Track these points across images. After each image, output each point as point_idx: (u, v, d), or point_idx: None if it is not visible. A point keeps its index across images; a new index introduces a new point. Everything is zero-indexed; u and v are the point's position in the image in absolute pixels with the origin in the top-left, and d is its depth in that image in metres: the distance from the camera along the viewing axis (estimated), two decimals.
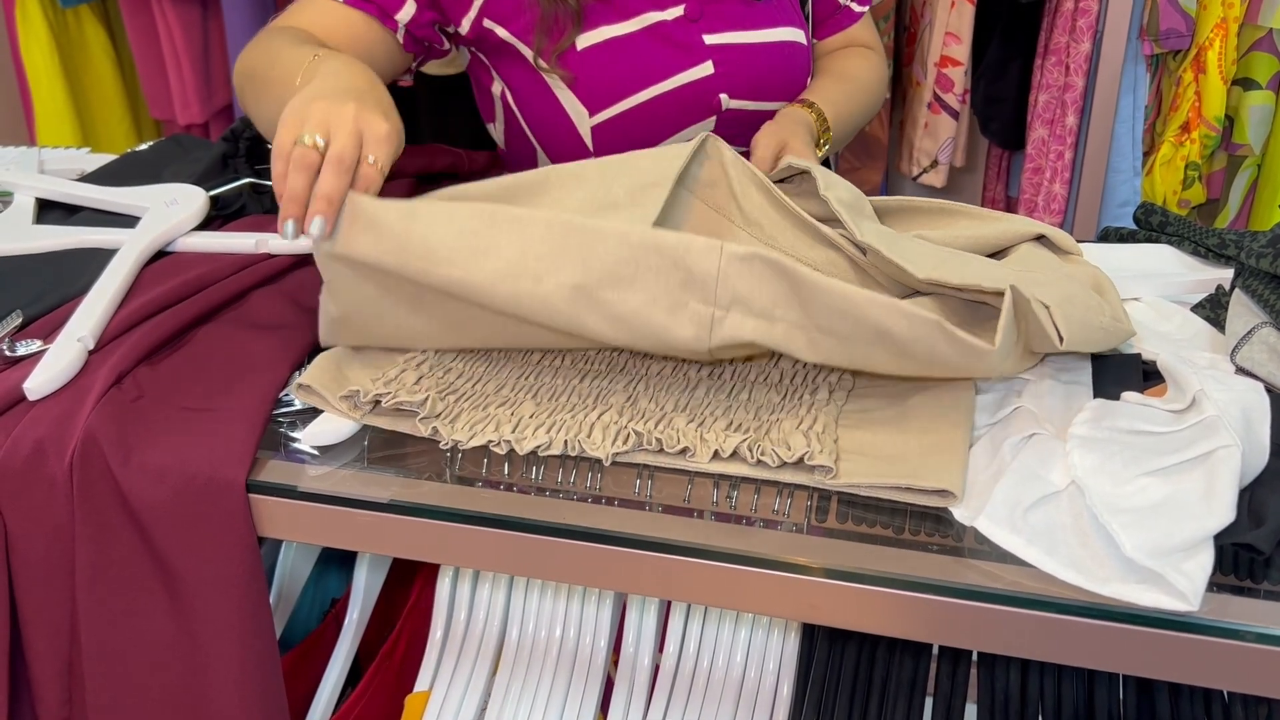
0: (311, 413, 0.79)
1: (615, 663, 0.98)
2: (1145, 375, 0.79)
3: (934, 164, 2.04)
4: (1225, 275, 0.94)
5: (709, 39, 1.10)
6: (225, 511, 0.72)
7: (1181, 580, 0.60)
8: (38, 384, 0.77)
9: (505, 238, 0.73)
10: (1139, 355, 0.81)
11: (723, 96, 1.11)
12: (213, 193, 1.04)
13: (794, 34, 1.16)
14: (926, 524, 0.68)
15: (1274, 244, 0.83)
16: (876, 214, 0.92)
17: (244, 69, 1.00)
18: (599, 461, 0.74)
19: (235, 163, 1.14)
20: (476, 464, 0.75)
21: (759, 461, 0.71)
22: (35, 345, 0.82)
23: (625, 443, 0.74)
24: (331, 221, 0.74)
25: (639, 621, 0.96)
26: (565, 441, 0.74)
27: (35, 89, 2.09)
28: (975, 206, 0.90)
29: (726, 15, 1.12)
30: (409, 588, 1.08)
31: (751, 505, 0.70)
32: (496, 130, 1.22)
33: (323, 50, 0.91)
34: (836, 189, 0.87)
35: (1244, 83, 1.78)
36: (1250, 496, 0.66)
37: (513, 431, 0.75)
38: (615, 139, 1.11)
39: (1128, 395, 0.73)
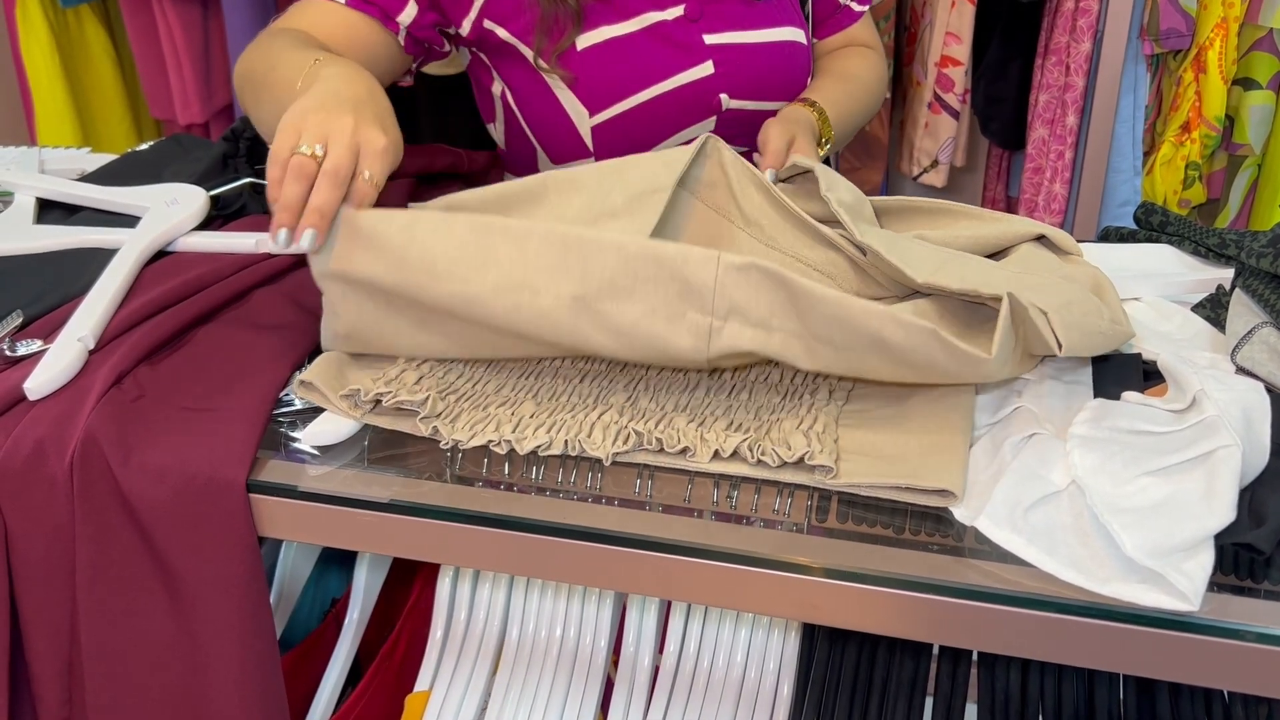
0: (311, 413, 0.79)
1: (615, 663, 0.98)
2: (1145, 375, 0.79)
3: (934, 164, 2.04)
4: (1225, 275, 0.94)
5: (709, 39, 1.10)
6: (225, 511, 0.72)
7: (1182, 580, 0.60)
8: (38, 384, 0.77)
9: (504, 250, 0.73)
10: (1139, 355, 0.81)
11: (723, 96, 1.11)
12: (213, 192, 1.04)
13: (794, 34, 1.16)
14: (927, 524, 0.68)
15: (1274, 244, 0.83)
16: (877, 214, 0.92)
17: (244, 71, 1.00)
18: (599, 461, 0.74)
19: (236, 162, 1.14)
20: (477, 464, 0.75)
21: (759, 461, 0.71)
22: (35, 345, 0.82)
23: (625, 442, 0.74)
24: (323, 234, 0.74)
25: (639, 621, 0.96)
26: (565, 441, 0.74)
27: (35, 89, 2.09)
28: (975, 207, 0.91)
29: (726, 15, 1.12)
30: (409, 588, 1.08)
31: (752, 505, 0.70)
32: (496, 130, 1.22)
33: (324, 55, 0.91)
34: (838, 190, 0.87)
35: (1244, 82, 1.78)
36: (1250, 496, 0.66)
37: (513, 431, 0.75)
38: (615, 139, 1.11)
39: (1128, 395, 0.73)
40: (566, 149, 1.14)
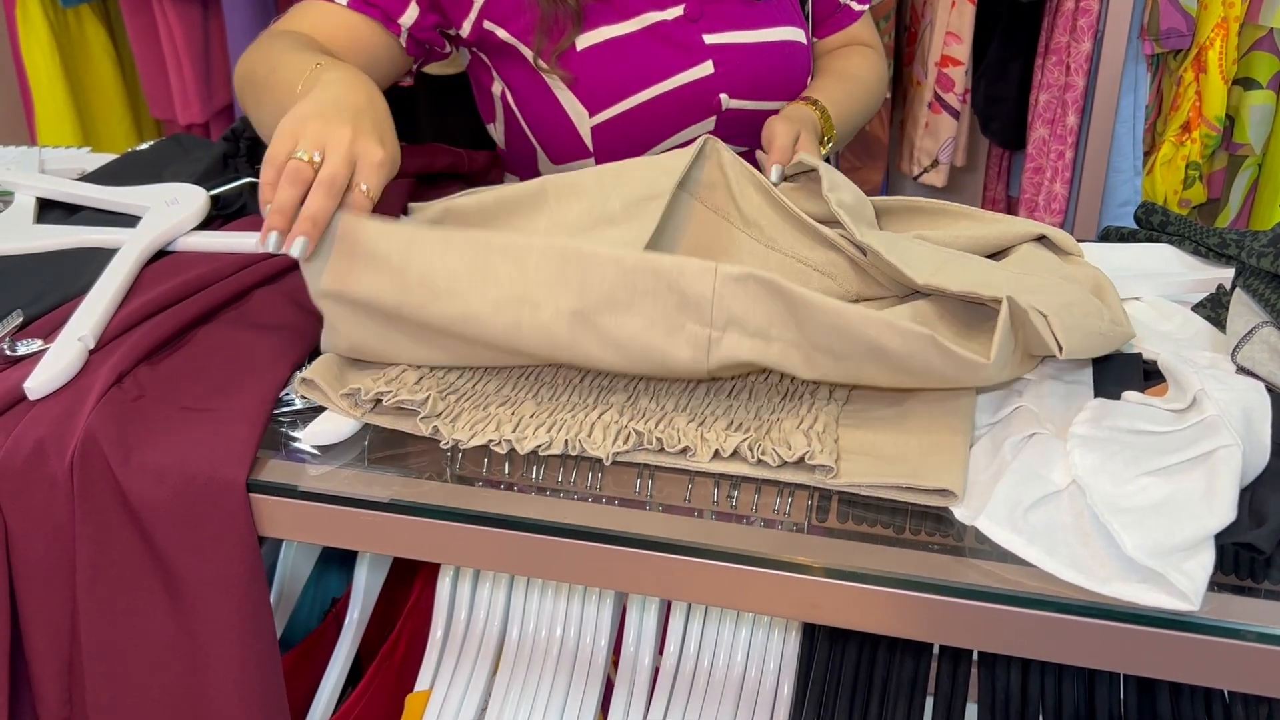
0: (312, 412, 0.79)
1: (615, 663, 0.98)
2: (1146, 375, 0.79)
3: (935, 164, 2.04)
4: (1226, 275, 0.94)
5: (709, 39, 1.10)
6: (225, 511, 0.72)
7: (1182, 580, 0.60)
8: (38, 383, 0.77)
9: (503, 267, 0.73)
10: (1140, 355, 0.81)
11: (723, 96, 1.11)
12: (213, 192, 1.04)
13: (794, 33, 1.16)
14: (927, 524, 0.68)
15: (1275, 243, 0.83)
16: (877, 214, 0.92)
17: (244, 72, 0.99)
18: (599, 461, 0.74)
19: (236, 162, 1.14)
20: (477, 463, 0.75)
21: (759, 461, 0.71)
22: (36, 345, 0.82)
23: (626, 442, 0.74)
24: (314, 242, 0.74)
25: (639, 621, 0.96)
26: (566, 441, 0.74)
27: (36, 89, 2.10)
28: (976, 208, 0.91)
29: (726, 15, 1.12)
30: (409, 587, 1.08)
31: (752, 505, 0.70)
32: (496, 130, 1.22)
33: (325, 59, 0.90)
34: (840, 191, 0.87)
35: (1245, 82, 1.78)
36: (1251, 496, 0.66)
37: (513, 431, 0.75)
38: (615, 139, 1.11)
39: (1128, 395, 0.73)
40: (566, 149, 1.14)
